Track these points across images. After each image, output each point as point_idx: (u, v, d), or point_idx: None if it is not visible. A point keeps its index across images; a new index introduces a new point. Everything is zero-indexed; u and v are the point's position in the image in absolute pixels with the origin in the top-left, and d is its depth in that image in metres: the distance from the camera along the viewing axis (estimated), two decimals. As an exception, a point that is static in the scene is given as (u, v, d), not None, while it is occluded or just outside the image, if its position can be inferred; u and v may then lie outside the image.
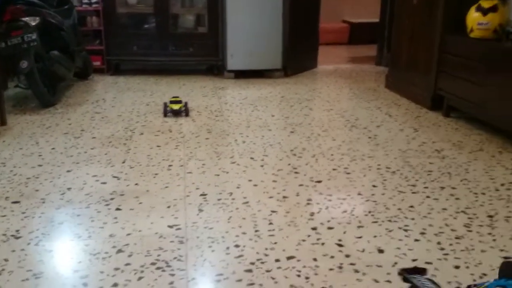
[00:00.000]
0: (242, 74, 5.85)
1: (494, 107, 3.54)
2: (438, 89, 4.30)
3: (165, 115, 4.21)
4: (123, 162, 3.15)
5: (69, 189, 2.74)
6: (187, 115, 4.22)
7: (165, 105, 4.26)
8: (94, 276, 1.92)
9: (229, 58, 5.74)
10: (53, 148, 3.39)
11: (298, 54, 6.09)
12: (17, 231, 2.26)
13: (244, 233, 2.27)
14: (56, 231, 2.27)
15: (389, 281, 1.90)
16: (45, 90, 4.35)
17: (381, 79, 5.77)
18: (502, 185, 2.84)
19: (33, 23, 4.21)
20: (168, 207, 2.52)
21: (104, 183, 2.83)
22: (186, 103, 4.31)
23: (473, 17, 3.83)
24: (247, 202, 2.58)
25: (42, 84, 4.27)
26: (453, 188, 2.79)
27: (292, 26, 5.80)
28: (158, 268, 1.97)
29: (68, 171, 3.00)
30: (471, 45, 3.82)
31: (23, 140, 3.55)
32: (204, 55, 6.02)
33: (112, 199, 2.61)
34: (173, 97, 4.47)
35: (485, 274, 1.95)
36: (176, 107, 4.20)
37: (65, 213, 2.45)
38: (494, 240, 2.22)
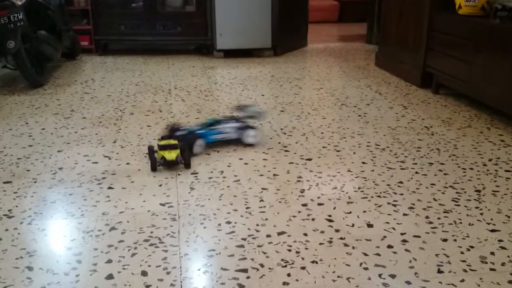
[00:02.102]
0: (231, 54, 5.84)
1: (481, 84, 3.57)
2: (427, 66, 4.33)
3: (154, 169, 2.67)
4: (114, 142, 3.15)
5: (60, 168, 2.74)
6: (187, 166, 2.71)
7: (152, 151, 2.73)
8: (87, 253, 1.94)
9: (218, 37, 5.71)
10: (43, 129, 3.38)
11: (287, 33, 6.07)
12: (9, 210, 2.27)
13: (235, 210, 2.29)
14: (48, 210, 2.28)
15: (378, 254, 1.94)
16: (33, 70, 4.32)
17: (371, 57, 5.78)
18: (490, 160, 2.88)
19: (20, 3, 4.17)
20: (160, 185, 2.54)
21: (96, 162, 2.83)
22: (187, 146, 2.78)
23: (462, -6, 3.84)
24: (238, 180, 2.61)
25: (30, 64, 4.24)
26: (442, 163, 2.83)
27: (282, 4, 5.78)
28: (151, 245, 2.00)
29: (59, 151, 3.00)
30: (459, 22, 3.84)
31: (12, 121, 3.53)
32: (192, 34, 5.99)
33: (104, 178, 2.62)
34: (162, 137, 2.81)
35: (472, 247, 1.99)
36: (171, 156, 2.65)
37: (57, 192, 2.46)
38: (481, 213, 2.26)
